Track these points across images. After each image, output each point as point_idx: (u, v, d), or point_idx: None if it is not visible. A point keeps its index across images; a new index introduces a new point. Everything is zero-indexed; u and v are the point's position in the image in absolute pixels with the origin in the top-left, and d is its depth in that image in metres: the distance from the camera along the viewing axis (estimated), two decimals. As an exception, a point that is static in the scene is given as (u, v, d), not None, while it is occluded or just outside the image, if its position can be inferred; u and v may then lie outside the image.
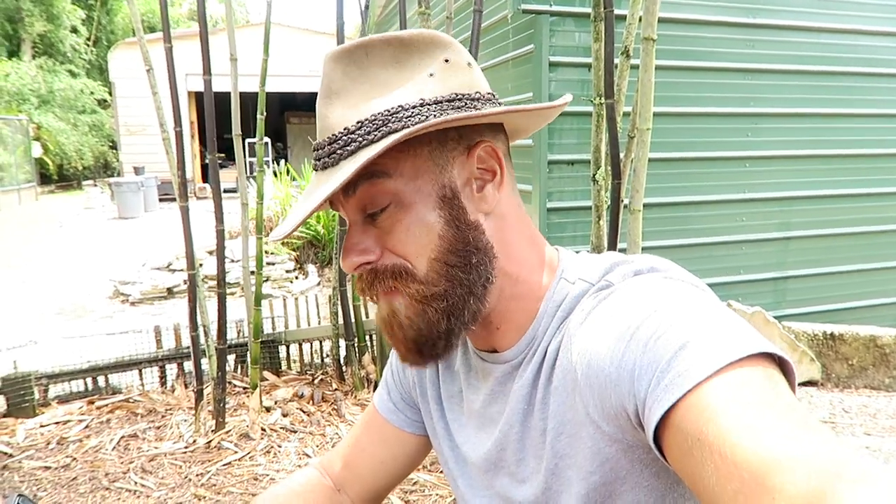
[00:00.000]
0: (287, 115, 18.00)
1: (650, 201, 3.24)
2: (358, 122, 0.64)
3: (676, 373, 0.50)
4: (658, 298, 0.59)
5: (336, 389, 3.49)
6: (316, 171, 0.68)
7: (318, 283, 7.36)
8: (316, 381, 3.58)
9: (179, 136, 2.67)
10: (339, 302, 3.49)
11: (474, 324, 0.69)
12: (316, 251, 8.23)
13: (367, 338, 3.65)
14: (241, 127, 2.97)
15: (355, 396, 3.42)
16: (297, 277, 7.47)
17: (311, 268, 7.85)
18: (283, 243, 7.87)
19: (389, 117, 0.64)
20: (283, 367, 3.76)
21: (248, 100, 3.81)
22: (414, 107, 0.64)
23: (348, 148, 0.64)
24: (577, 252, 0.77)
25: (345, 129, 0.65)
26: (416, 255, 0.65)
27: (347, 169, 0.62)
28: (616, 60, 2.47)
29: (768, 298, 4.14)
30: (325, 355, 3.86)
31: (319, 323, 3.97)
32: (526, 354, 0.72)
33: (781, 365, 0.52)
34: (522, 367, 0.72)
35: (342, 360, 3.66)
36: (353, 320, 3.51)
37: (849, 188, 4.19)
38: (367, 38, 0.67)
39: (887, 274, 4.39)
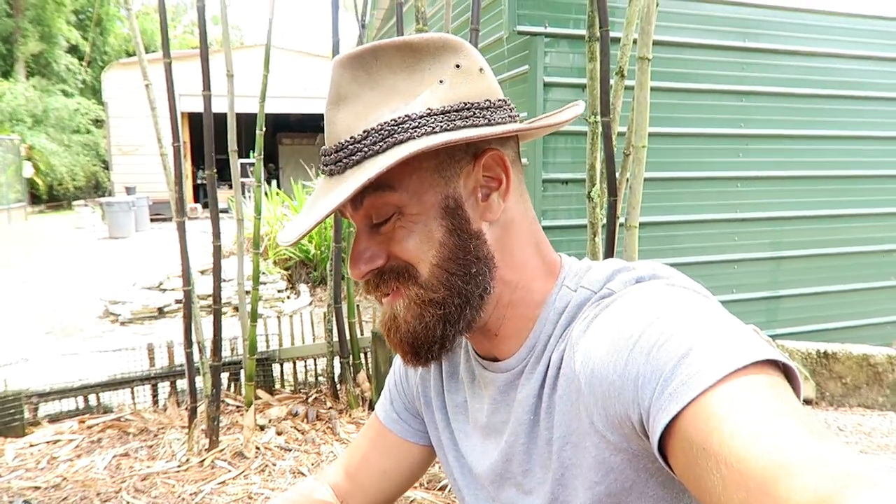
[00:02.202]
0: (279, 136, 18.04)
1: (643, 220, 3.26)
2: (364, 132, 0.64)
3: (680, 381, 0.50)
4: (660, 305, 0.59)
5: (330, 408, 3.46)
6: (323, 175, 0.69)
7: (311, 303, 7.33)
8: (310, 400, 3.55)
9: (178, 151, 2.67)
10: (333, 319, 3.47)
11: (469, 331, 0.70)
12: (308, 271, 8.20)
13: (362, 355, 3.64)
14: (236, 146, 2.98)
15: (350, 415, 3.39)
16: (288, 297, 7.44)
17: (302, 287, 7.82)
18: (274, 262, 7.84)
19: (395, 127, 0.63)
20: (277, 385, 3.72)
21: (240, 121, 3.82)
22: (421, 117, 0.64)
23: (353, 157, 0.65)
24: (578, 259, 0.77)
25: (350, 137, 0.65)
26: (418, 260, 0.67)
27: (353, 180, 0.62)
28: (611, 81, 2.51)
29: (761, 318, 4.17)
30: (318, 373, 3.83)
31: (314, 341, 3.94)
32: (527, 363, 0.71)
33: (786, 372, 0.52)
34: (525, 376, 0.71)
35: (336, 378, 3.64)
36: (347, 338, 3.49)
37: (839, 209, 4.24)
38: (379, 42, 0.67)
39: (878, 293, 4.43)
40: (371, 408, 3.47)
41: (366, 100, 0.66)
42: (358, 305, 3.67)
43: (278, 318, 3.96)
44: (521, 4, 3.43)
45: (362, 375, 3.60)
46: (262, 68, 2.96)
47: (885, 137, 4.24)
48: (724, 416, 0.46)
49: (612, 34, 2.50)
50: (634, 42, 2.61)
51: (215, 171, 2.77)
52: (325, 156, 0.67)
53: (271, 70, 3.03)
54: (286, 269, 8.05)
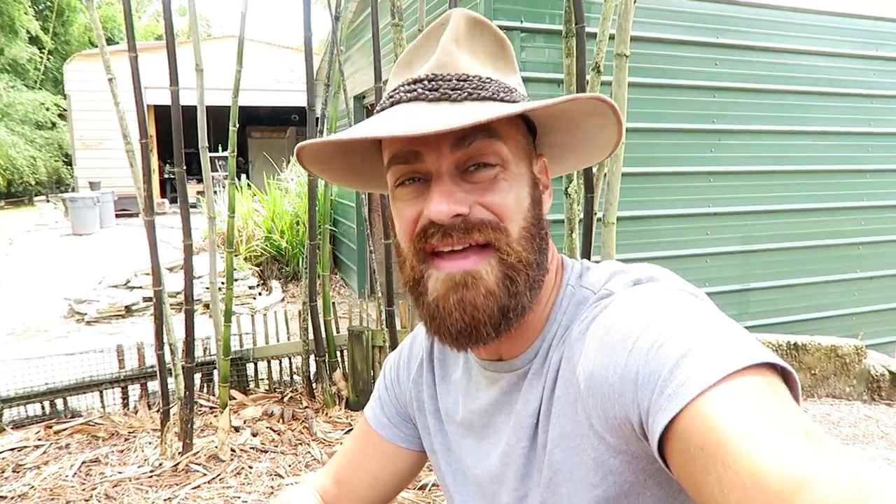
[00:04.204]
0: (248, 129, 17.76)
1: (617, 215, 3.28)
2: (488, 78, 0.66)
3: (679, 382, 0.50)
4: (658, 307, 0.59)
5: (306, 407, 3.42)
6: (415, 100, 0.65)
7: (282, 300, 7.24)
8: (285, 399, 3.50)
9: (145, 147, 2.59)
10: (309, 317, 3.43)
11: (524, 316, 0.67)
12: (280, 266, 8.10)
13: (339, 354, 3.59)
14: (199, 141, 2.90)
15: (326, 414, 3.35)
16: (259, 294, 7.34)
17: (274, 284, 7.72)
18: (245, 258, 7.72)
19: (512, 91, 0.67)
20: (251, 385, 3.66)
21: (208, 113, 3.73)
22: (522, 96, 0.68)
23: (481, 92, 0.64)
24: (577, 260, 0.77)
25: (476, 76, 0.65)
26: (511, 215, 0.65)
27: (486, 110, 0.61)
28: (587, 77, 2.50)
29: (732, 310, 4.23)
30: (293, 372, 3.78)
31: (289, 339, 3.88)
32: (532, 364, 0.71)
33: (784, 375, 0.52)
34: (530, 378, 0.71)
35: (312, 377, 3.59)
36: (323, 336, 3.45)
37: (807, 203, 4.32)
38: (484, 20, 0.69)
39: (844, 286, 4.54)
40: (348, 406, 3.44)
41: (479, 55, 0.68)
42: (333, 303, 3.63)
43: (252, 316, 3.89)
44: (497, -2, 3.41)
45: (338, 374, 3.56)
46: (236, 63, 2.89)
47: (852, 133, 4.33)
48: (722, 416, 0.46)
49: (588, 29, 2.50)
50: (611, 38, 2.61)
51: (184, 167, 2.70)
52: (435, 80, 0.65)
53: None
54: (257, 265, 7.94)
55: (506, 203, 0.64)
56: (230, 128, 2.94)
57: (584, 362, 0.62)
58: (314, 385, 3.58)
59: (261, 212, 8.30)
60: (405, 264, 0.69)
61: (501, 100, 0.65)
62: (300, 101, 14.46)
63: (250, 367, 3.66)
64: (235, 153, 2.97)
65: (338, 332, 3.65)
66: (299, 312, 3.56)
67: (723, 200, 4.10)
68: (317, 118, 3.25)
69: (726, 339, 0.52)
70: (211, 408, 3.33)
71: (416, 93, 0.65)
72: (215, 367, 3.44)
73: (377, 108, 0.71)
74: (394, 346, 3.01)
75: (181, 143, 2.64)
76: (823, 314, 4.50)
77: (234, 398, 3.42)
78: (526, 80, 3.13)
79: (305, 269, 3.44)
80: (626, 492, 0.62)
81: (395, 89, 0.68)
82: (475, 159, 0.64)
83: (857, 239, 4.51)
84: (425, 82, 0.65)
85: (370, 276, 6.98)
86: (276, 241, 7.93)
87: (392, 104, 0.67)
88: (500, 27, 3.43)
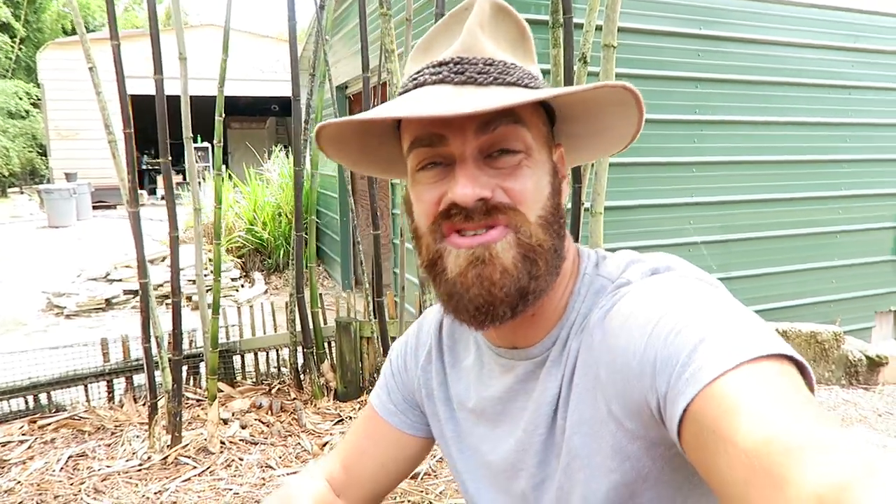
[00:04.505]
0: (228, 119, 17.56)
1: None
2: (513, 64, 0.66)
3: (697, 366, 0.51)
4: (676, 295, 0.60)
5: (294, 399, 3.41)
6: (440, 83, 0.65)
7: (265, 292, 7.19)
8: (273, 391, 3.50)
9: (129, 138, 2.56)
10: (296, 309, 3.42)
11: (541, 299, 0.67)
12: (262, 258, 8.04)
13: (326, 345, 3.59)
14: (190, 131, 2.86)
15: (315, 405, 3.35)
16: (242, 286, 7.28)
17: (257, 275, 7.67)
18: (227, 250, 7.66)
19: (535, 78, 0.68)
20: (238, 377, 3.65)
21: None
22: (543, 84, 0.69)
23: (506, 77, 0.65)
24: (592, 249, 0.77)
25: (501, 61, 0.66)
26: (530, 203, 0.65)
27: (509, 95, 0.61)
28: (574, 67, 2.52)
29: (715, 298, 4.28)
30: (280, 364, 3.77)
31: (276, 331, 3.87)
32: (550, 352, 0.72)
33: (799, 368, 0.52)
34: (549, 366, 0.71)
35: (300, 369, 3.59)
36: (311, 327, 3.44)
37: (786, 192, 4.38)
38: (507, 6, 0.69)
39: (822, 274, 4.62)
40: (336, 397, 3.44)
41: (501, 41, 0.68)
42: (321, 294, 3.62)
43: (238, 308, 3.87)
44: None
45: (326, 365, 3.56)
46: (221, 52, 2.86)
47: (831, 123, 4.39)
48: (736, 399, 0.47)
49: (575, 20, 2.51)
50: (597, 28, 2.63)
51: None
52: (462, 63, 0.65)
53: (219, 51, 2.93)
54: (239, 256, 7.87)
55: (527, 190, 0.65)
56: (216, 118, 2.90)
57: (604, 349, 0.63)
58: (302, 377, 3.57)
59: (242, 203, 8.22)
60: (422, 245, 0.69)
61: (526, 86, 0.66)
62: (280, 91, 14.32)
63: (237, 360, 3.65)
64: (221, 143, 2.94)
65: (325, 323, 3.65)
66: (286, 304, 3.54)
67: (705, 190, 4.15)
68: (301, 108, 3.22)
69: (745, 328, 0.53)
70: (198, 400, 3.31)
71: (441, 75, 0.65)
72: (201, 360, 3.42)
73: (399, 90, 0.71)
74: (383, 336, 3.02)
75: (166, 134, 2.61)
76: (802, 301, 4.58)
77: (222, 390, 3.40)
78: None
79: (291, 260, 3.43)
80: (644, 476, 0.64)
81: (418, 72, 0.68)
82: (499, 144, 0.64)
83: (834, 227, 4.60)
84: (451, 65, 0.65)
85: (354, 267, 6.96)
86: (257, 233, 7.87)
87: (416, 86, 0.67)
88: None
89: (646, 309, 0.60)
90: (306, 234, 3.40)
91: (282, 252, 7.79)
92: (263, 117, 16.75)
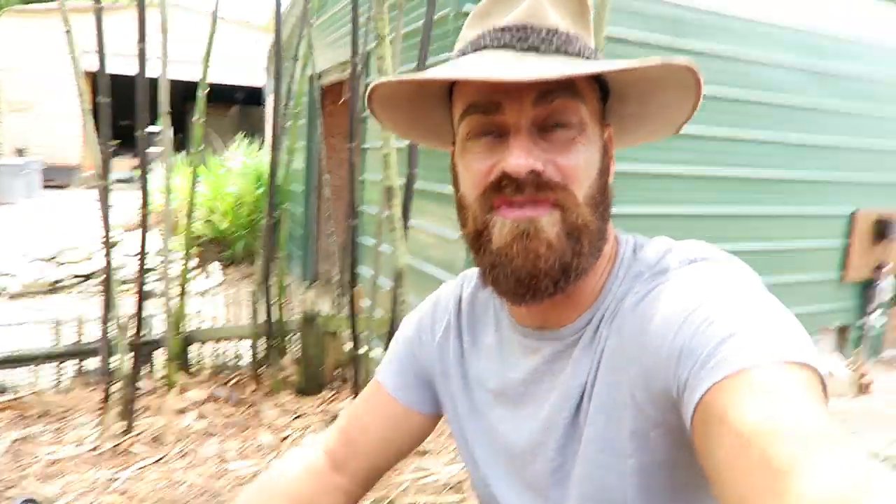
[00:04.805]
0: (190, 105, 17.15)
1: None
2: (576, 35, 0.64)
3: (722, 357, 0.51)
4: (713, 285, 0.60)
5: (254, 391, 3.32)
6: (502, 48, 0.63)
7: (221, 283, 7.02)
8: (231, 383, 3.39)
9: (103, 108, 2.44)
10: (264, 299, 3.33)
11: (581, 279, 0.66)
12: (220, 249, 7.85)
13: (289, 338, 3.51)
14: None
15: (274, 399, 3.27)
16: (197, 276, 7.09)
17: (213, 267, 7.47)
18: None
19: (595, 51, 0.66)
20: (194, 368, 3.53)
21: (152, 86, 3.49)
22: (601, 59, 0.66)
23: (569, 48, 0.63)
24: (630, 234, 0.76)
25: (565, 31, 0.64)
26: (581, 180, 0.64)
27: (571, 65, 0.60)
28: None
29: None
30: (238, 356, 3.66)
31: (236, 322, 3.76)
32: (582, 334, 0.70)
33: (820, 378, 0.52)
34: (581, 349, 0.70)
35: (260, 361, 3.49)
36: (274, 319, 3.35)
37: (742, 207, 4.49)
38: None
39: (773, 289, 4.73)
40: (299, 392, 3.36)
41: (563, 11, 0.65)
42: (287, 286, 3.54)
43: (200, 296, 3.74)
44: (467, -15, 3.39)
45: (288, 359, 3.48)
46: (210, 26, 2.77)
47: (787, 143, 4.51)
48: (751, 394, 0.48)
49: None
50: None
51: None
52: (524, 30, 0.63)
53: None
54: (195, 246, 7.67)
55: (578, 166, 0.63)
56: (199, 93, 2.81)
57: (635, 335, 0.63)
58: (261, 370, 3.48)
59: (201, 191, 8.01)
60: (468, 217, 0.67)
61: (587, 58, 0.64)
62: (246, 79, 14.03)
63: (193, 350, 3.52)
64: (203, 119, 2.84)
65: (290, 316, 3.57)
66: (253, 293, 3.45)
67: (669, 202, 4.20)
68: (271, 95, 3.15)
69: (777, 329, 0.53)
70: (153, 389, 3.18)
71: (503, 40, 0.63)
72: (156, 348, 3.30)
73: (456, 54, 0.68)
74: (354, 330, 2.96)
75: (146, 109, 2.50)
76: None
77: (178, 380, 3.28)
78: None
79: (256, 251, 3.34)
80: (661, 463, 0.63)
81: (479, 35, 0.66)
82: (555, 117, 0.62)
83: (785, 245, 4.73)
84: (514, 31, 0.63)
85: (317, 262, 6.85)
86: (216, 223, 7.68)
87: (475, 50, 0.65)
88: (468, 13, 3.42)
89: (682, 299, 0.60)
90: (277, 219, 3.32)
91: (241, 244, 7.62)
92: (227, 104, 16.40)
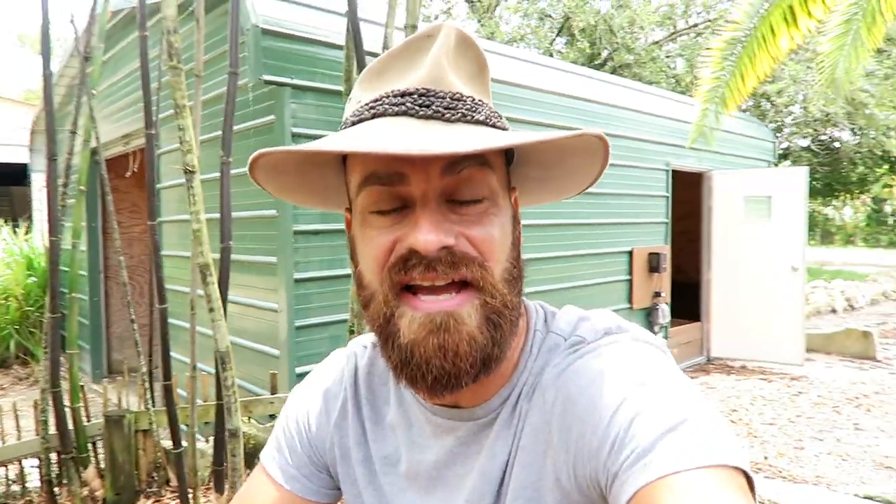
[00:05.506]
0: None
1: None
2: (480, 100, 0.61)
3: (658, 455, 0.51)
4: (643, 370, 0.59)
5: (50, 518, 2.80)
6: (403, 115, 0.58)
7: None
8: (17, 514, 2.83)
9: None
10: (50, 407, 2.84)
11: (500, 365, 0.62)
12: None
13: (91, 446, 3.03)
14: None
15: (77, 522, 2.78)
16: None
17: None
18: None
19: (501, 118, 0.63)
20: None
21: None
22: (508, 125, 0.65)
23: (475, 115, 0.59)
24: (535, 303, 0.74)
25: (469, 96, 0.60)
26: (496, 254, 0.60)
27: (480, 135, 0.57)
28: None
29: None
30: (24, 479, 3.07)
31: (3, 441, 3.13)
32: (499, 412, 0.66)
33: (747, 478, 0.54)
34: (497, 429, 0.66)
35: (54, 480, 2.96)
36: (70, 428, 2.88)
37: (544, 252, 4.91)
38: (471, 37, 0.64)
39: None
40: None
41: (462, 74, 0.62)
42: (83, 386, 3.07)
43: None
44: (266, 53, 3.34)
45: (91, 471, 3.00)
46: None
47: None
48: (684, 497, 0.47)
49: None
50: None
51: None
52: (427, 96, 0.58)
53: None
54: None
55: (493, 240, 0.60)
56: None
57: (559, 413, 0.60)
58: (57, 490, 2.95)
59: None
60: (370, 299, 0.61)
61: (493, 125, 0.61)
62: (4, 156, 12.32)
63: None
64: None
65: (88, 420, 3.09)
66: (35, 402, 2.93)
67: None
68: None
69: (709, 427, 0.53)
70: None
71: (404, 107, 0.58)
72: None
73: (350, 118, 0.63)
74: (173, 425, 2.64)
75: None
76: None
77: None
78: (299, 136, 3.12)
79: (33, 349, 2.87)
80: None
81: (376, 100, 0.61)
82: (464, 188, 0.59)
83: (581, 282, 5.24)
84: (415, 97, 0.59)
85: (108, 354, 6.10)
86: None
87: (374, 116, 0.60)
88: (270, 82, 3.36)
89: (610, 384, 0.58)
90: (66, 313, 2.89)
91: (11, 343, 6.52)
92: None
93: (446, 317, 0.57)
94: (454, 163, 0.58)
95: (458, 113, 0.59)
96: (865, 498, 3.16)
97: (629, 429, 0.53)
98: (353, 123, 0.62)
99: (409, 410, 0.72)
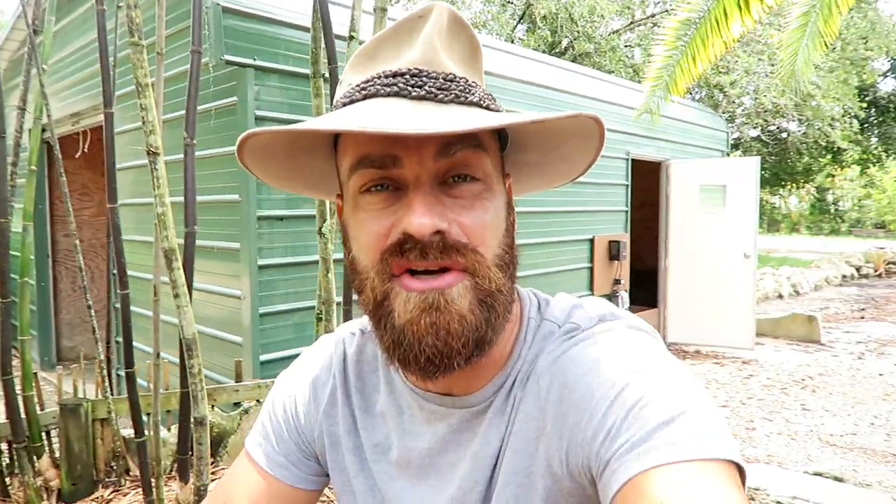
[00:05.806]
0: None
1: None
2: (473, 82, 0.60)
3: (652, 445, 0.51)
4: (640, 359, 0.59)
5: (2, 510, 2.70)
6: (395, 96, 0.57)
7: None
8: (-34, 507, 2.72)
9: None
10: (0, 395, 2.73)
11: (493, 348, 0.62)
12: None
13: (45, 436, 2.93)
14: None
15: (32, 515, 2.69)
16: None
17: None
18: None
19: (494, 100, 0.62)
20: None
21: None
22: (500, 105, 0.64)
23: (468, 96, 0.58)
24: (528, 290, 0.74)
25: (463, 77, 0.59)
26: (489, 240, 0.59)
27: (473, 115, 0.56)
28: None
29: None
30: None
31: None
32: (493, 401, 0.66)
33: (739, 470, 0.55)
34: (491, 416, 0.66)
35: (5, 471, 2.85)
36: (23, 416, 2.77)
37: (534, 238, 4.96)
38: (463, 19, 0.62)
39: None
40: (61, 499, 2.82)
41: (455, 56, 0.62)
42: (35, 374, 2.96)
43: None
44: (227, 33, 3.24)
45: (45, 461, 2.90)
46: None
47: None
48: (676, 487, 0.48)
49: (341, 67, 2.53)
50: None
51: None
52: (419, 77, 0.57)
53: None
54: None
55: (486, 225, 0.59)
56: None
57: (554, 400, 0.61)
58: (8, 481, 2.85)
59: None
60: (364, 284, 0.60)
61: (487, 107, 0.61)
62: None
63: None
64: None
65: (42, 409, 2.98)
66: (-15, 391, 2.81)
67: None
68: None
69: (704, 420, 0.53)
70: None
71: (396, 87, 0.57)
72: None
73: (341, 100, 0.61)
74: (135, 414, 2.57)
75: None
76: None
77: None
78: (263, 119, 3.04)
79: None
80: None
81: (368, 81, 0.60)
82: (458, 170, 0.58)
83: (549, 269, 5.31)
84: (408, 77, 0.58)
85: (57, 340, 5.90)
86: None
87: (365, 97, 0.59)
88: (232, 63, 3.27)
89: (608, 371, 0.58)
90: (16, 299, 2.78)
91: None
92: None
93: (437, 295, 0.57)
94: (448, 145, 0.57)
95: (451, 94, 0.58)
96: (815, 475, 3.31)
97: (626, 418, 0.53)
98: (344, 105, 0.61)
99: (400, 398, 0.71)
